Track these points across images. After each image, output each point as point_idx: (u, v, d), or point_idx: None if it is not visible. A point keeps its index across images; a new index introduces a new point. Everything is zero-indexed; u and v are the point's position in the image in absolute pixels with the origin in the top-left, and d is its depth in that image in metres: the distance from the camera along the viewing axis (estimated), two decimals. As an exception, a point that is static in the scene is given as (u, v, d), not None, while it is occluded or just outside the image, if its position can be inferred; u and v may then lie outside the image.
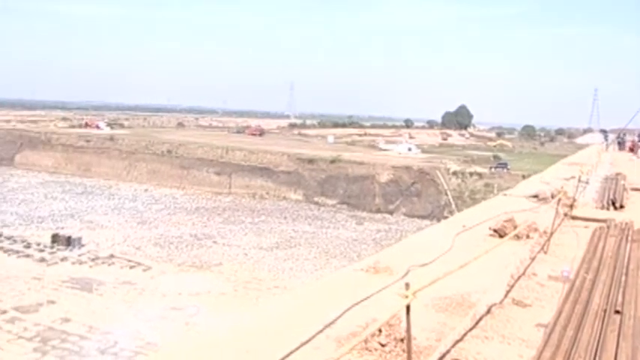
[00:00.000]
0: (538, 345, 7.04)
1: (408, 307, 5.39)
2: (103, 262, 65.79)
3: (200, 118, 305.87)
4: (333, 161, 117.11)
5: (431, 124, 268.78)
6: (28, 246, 70.70)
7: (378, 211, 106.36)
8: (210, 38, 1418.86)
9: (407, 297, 5.33)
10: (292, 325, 7.13)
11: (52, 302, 52.84)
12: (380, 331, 6.44)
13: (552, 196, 15.98)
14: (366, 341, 6.32)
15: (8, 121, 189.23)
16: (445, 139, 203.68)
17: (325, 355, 6.06)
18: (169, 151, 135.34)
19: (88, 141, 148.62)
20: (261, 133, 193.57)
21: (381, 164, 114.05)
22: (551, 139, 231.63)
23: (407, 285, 5.45)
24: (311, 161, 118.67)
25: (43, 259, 65.85)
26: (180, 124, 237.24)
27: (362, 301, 7.69)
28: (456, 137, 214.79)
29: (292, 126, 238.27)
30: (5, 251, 68.42)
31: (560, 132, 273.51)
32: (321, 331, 6.82)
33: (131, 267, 64.59)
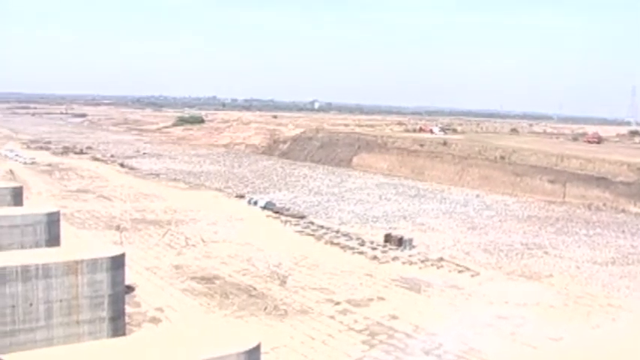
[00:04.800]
0: None
1: None
2: (432, 265, 66.46)
3: (534, 124, 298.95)
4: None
5: None
6: (363, 243, 73.91)
7: None
8: (546, 43, 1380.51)
9: None
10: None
11: (382, 299, 54.45)
12: None
13: None
14: None
15: (347, 125, 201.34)
16: None
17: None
18: (502, 157, 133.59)
19: (421, 145, 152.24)
20: (599, 140, 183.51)
21: None
22: None
23: None
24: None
25: (375, 257, 68.36)
26: (514, 130, 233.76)
27: None
28: None
29: (633, 133, 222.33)
30: (342, 247, 72.22)
31: None
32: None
33: (459, 271, 64.42)
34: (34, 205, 50.53)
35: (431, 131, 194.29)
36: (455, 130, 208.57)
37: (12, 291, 14.92)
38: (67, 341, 15.28)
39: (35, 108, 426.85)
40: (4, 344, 14.86)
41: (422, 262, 67.27)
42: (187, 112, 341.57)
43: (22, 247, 20.41)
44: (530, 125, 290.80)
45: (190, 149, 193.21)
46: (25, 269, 15.14)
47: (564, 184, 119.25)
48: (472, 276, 63.12)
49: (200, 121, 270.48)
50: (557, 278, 64.23)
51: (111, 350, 12.52)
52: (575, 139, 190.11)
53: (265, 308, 50.63)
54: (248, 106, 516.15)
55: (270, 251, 68.74)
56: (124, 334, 16.90)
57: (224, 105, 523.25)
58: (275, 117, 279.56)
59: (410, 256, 69.35)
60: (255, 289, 55.51)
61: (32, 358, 12.18)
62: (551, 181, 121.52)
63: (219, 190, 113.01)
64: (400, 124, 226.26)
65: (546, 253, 75.33)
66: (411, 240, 74.52)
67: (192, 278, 57.94)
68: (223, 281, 57.47)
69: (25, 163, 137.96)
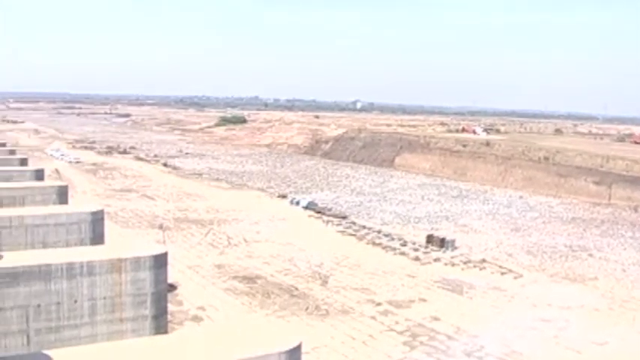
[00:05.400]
0: None
1: None
2: (475, 266, 65.95)
3: (579, 125, 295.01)
4: None
5: None
6: (404, 244, 73.66)
7: None
8: (592, 43, 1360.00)
9: None
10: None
11: (424, 300, 54.21)
12: None
13: None
14: None
15: (389, 125, 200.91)
16: None
17: None
18: (546, 158, 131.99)
19: (464, 145, 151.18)
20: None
21: None
22: None
23: None
24: None
25: (417, 258, 68.08)
26: (558, 131, 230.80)
27: None
28: None
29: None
30: (383, 247, 72.08)
31: None
32: None
33: (502, 273, 63.82)
34: (79, 204, 51.29)
35: (474, 132, 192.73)
36: (498, 131, 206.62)
37: (57, 288, 15.17)
38: (110, 338, 15.47)
39: (80, 108, 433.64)
40: (49, 340, 15.11)
41: (464, 263, 66.83)
42: (230, 112, 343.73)
43: (67, 245, 20.75)
44: (575, 126, 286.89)
45: (233, 149, 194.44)
46: (70, 267, 15.38)
47: (610, 185, 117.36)
48: (515, 278, 62.49)
49: (242, 121, 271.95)
50: (602, 281, 63.26)
51: (153, 348, 12.63)
52: (621, 139, 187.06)
53: (306, 308, 50.73)
54: (290, 106, 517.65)
55: (311, 251, 68.86)
56: (166, 332, 17.06)
57: (266, 105, 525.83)
58: (317, 117, 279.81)
59: (452, 257, 68.95)
60: (296, 288, 55.66)
61: (77, 354, 12.34)
62: (597, 183, 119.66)
63: (262, 189, 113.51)
64: (442, 124, 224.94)
65: (591, 255, 74.23)
66: (453, 241, 74.08)
67: (234, 277, 58.30)
68: (265, 281, 57.72)
69: (70, 162, 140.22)
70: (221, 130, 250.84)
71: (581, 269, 67.51)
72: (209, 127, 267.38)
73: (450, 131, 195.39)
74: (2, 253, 16.26)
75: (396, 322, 48.46)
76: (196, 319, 47.32)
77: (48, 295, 15.11)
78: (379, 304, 52.63)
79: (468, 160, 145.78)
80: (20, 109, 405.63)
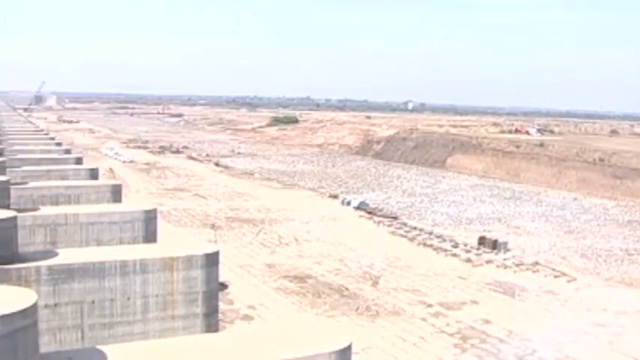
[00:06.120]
0: None
1: None
2: (527, 269, 65.07)
3: (636, 125, 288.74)
4: None
5: None
6: (456, 245, 73.06)
7: None
8: None
9: None
10: None
11: (475, 302, 53.68)
12: None
13: None
14: None
15: (441, 126, 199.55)
16: None
17: None
18: (601, 160, 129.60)
19: (517, 146, 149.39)
20: None
21: None
22: None
23: None
24: None
25: (469, 260, 67.46)
26: (614, 132, 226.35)
27: None
28: None
29: None
30: (434, 249, 71.61)
31: None
32: None
33: (555, 276, 62.84)
34: (133, 203, 52.01)
35: (527, 132, 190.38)
36: (552, 132, 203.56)
37: (111, 285, 15.40)
38: (162, 335, 15.64)
39: (133, 108, 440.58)
40: (103, 336, 15.35)
41: (517, 265, 65.99)
42: (281, 113, 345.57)
43: (121, 242, 21.05)
44: (632, 126, 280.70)
45: (284, 149, 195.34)
46: (124, 264, 15.59)
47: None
48: (568, 281, 61.49)
49: (294, 121, 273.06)
50: (660, 286, 61.83)
51: (204, 345, 12.73)
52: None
53: (357, 308, 50.67)
54: (342, 106, 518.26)
55: (362, 251, 68.76)
56: (217, 330, 17.17)
57: (318, 105, 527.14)
58: (368, 117, 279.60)
59: (504, 259, 68.16)
60: (347, 289, 55.64)
61: (130, 350, 12.51)
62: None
63: (313, 189, 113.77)
64: (495, 124, 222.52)
65: (648, 259, 72.62)
66: (505, 243, 73.21)
67: (285, 277, 58.53)
68: (315, 280, 57.83)
69: (124, 161, 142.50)
70: (273, 130, 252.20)
71: (638, 273, 66.07)
72: (261, 127, 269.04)
73: (502, 132, 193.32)
74: (58, 250, 16.59)
75: (447, 324, 48.09)
76: (247, 317, 47.63)
77: (102, 292, 15.35)
78: (430, 305, 52.30)
79: (521, 162, 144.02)
80: (75, 109, 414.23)
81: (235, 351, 12.03)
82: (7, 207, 19.27)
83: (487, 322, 48.93)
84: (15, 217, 15.47)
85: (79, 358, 11.61)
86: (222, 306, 38.51)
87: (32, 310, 10.22)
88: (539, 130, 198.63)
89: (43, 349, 11.60)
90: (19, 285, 13.42)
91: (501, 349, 43.57)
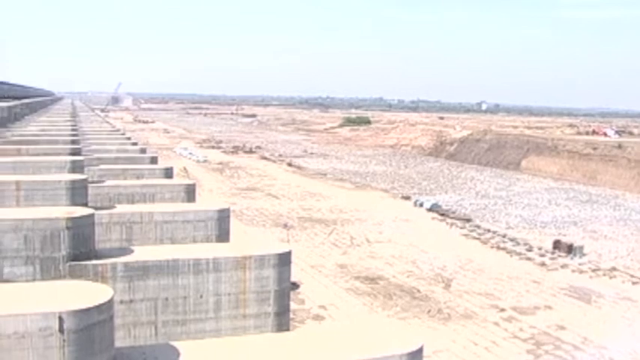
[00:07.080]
0: None
1: None
2: (604, 274, 63.45)
3: None
4: None
5: None
6: (530, 249, 71.77)
7: None
8: None
9: None
10: None
11: (549, 307, 52.62)
12: None
13: None
14: None
15: (515, 127, 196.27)
16: None
17: None
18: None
19: (594, 148, 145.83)
20: None
21: None
22: None
23: None
24: None
25: (543, 264, 66.19)
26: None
27: None
28: None
29: None
30: (508, 252, 70.52)
31: None
32: None
33: (634, 282, 61.08)
34: (206, 202, 52.75)
35: (605, 134, 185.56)
36: (631, 133, 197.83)
37: (184, 283, 15.61)
38: (233, 333, 15.78)
39: (207, 109, 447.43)
40: (176, 332, 15.58)
41: (593, 271, 64.43)
42: (354, 113, 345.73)
43: (194, 241, 21.31)
44: None
45: (357, 150, 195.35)
46: (197, 262, 15.79)
47: None
48: (648, 288, 59.72)
49: (367, 121, 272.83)
50: None
51: (275, 344, 12.80)
52: None
53: (429, 311, 50.29)
54: (414, 107, 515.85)
55: (434, 253, 68.23)
56: (288, 329, 17.24)
57: (390, 106, 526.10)
58: (442, 118, 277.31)
59: (580, 264, 66.64)
60: (418, 291, 55.28)
61: (203, 346, 12.70)
62: None
63: (385, 190, 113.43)
64: (571, 126, 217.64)
65: None
66: (581, 247, 71.55)
67: (356, 278, 58.52)
68: (387, 282, 57.64)
69: (197, 161, 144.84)
70: (345, 131, 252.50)
71: None
72: (333, 127, 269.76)
73: (579, 133, 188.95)
74: (133, 247, 16.93)
75: (520, 329, 47.28)
76: (318, 317, 47.80)
77: (175, 289, 15.58)
78: (503, 309, 51.51)
79: (598, 164, 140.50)
80: (151, 109, 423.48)
81: (306, 350, 12.06)
82: (85, 205, 19.78)
83: (561, 328, 47.90)
84: (92, 215, 15.87)
85: (153, 354, 11.81)
86: (293, 305, 38.75)
87: (108, 305, 10.45)
88: (617, 132, 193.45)
89: (118, 344, 11.86)
90: (96, 281, 13.75)
91: (576, 356, 42.61)
